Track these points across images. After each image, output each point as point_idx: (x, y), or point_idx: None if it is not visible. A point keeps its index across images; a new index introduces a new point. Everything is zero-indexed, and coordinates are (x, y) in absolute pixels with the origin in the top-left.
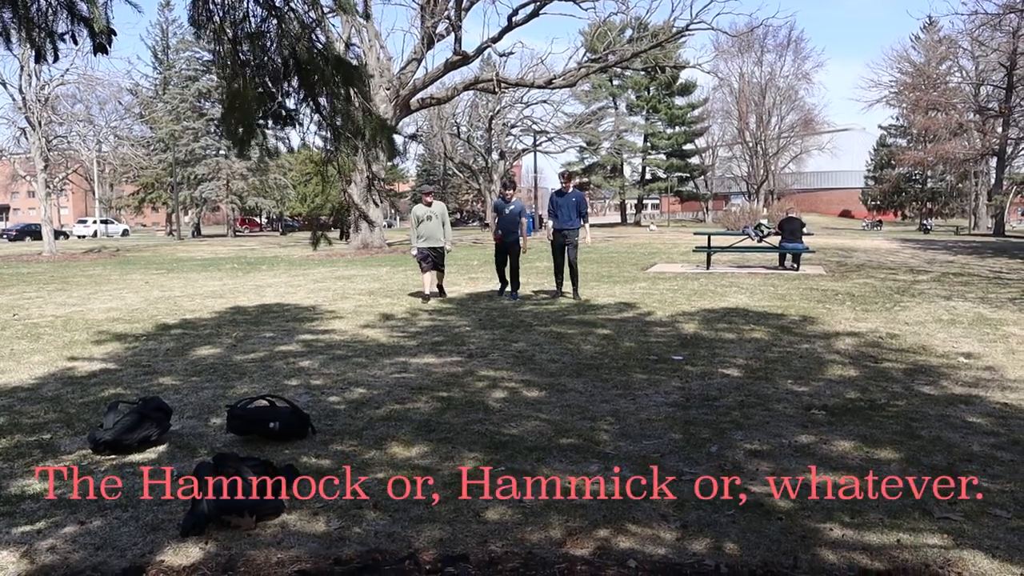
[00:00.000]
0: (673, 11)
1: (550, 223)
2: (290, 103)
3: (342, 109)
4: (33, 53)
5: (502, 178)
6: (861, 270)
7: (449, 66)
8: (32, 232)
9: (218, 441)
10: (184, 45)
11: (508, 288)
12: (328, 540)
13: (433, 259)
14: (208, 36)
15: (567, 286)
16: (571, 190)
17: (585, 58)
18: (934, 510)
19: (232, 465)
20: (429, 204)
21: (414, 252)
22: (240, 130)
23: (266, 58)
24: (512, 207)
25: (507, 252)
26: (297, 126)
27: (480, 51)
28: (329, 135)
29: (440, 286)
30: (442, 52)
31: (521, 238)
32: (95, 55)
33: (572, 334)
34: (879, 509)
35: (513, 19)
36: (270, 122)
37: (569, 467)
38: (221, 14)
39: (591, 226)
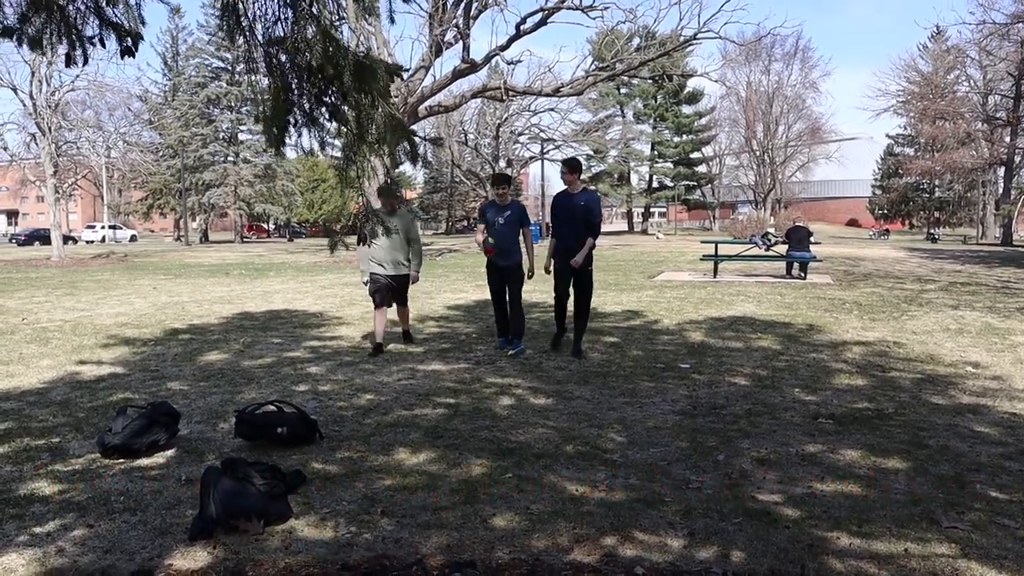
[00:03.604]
0: (681, 20)
1: (552, 242)
2: (328, 102)
3: (365, 112)
4: (64, 58)
5: (492, 176)
6: (868, 279)
7: (457, 74)
8: (41, 237)
9: (226, 446)
10: (193, 52)
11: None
12: (336, 545)
13: (390, 290)
14: (239, 40)
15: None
16: (579, 188)
17: (593, 66)
18: (942, 519)
19: (240, 470)
20: (390, 212)
21: (364, 279)
22: (279, 133)
23: (300, 59)
24: (508, 212)
25: (503, 279)
26: (340, 122)
27: (488, 59)
28: (351, 138)
29: (406, 330)
30: (450, 60)
31: (525, 255)
32: (122, 58)
33: None
34: (886, 518)
35: (521, 27)
36: (305, 121)
37: (576, 474)
38: (250, 18)
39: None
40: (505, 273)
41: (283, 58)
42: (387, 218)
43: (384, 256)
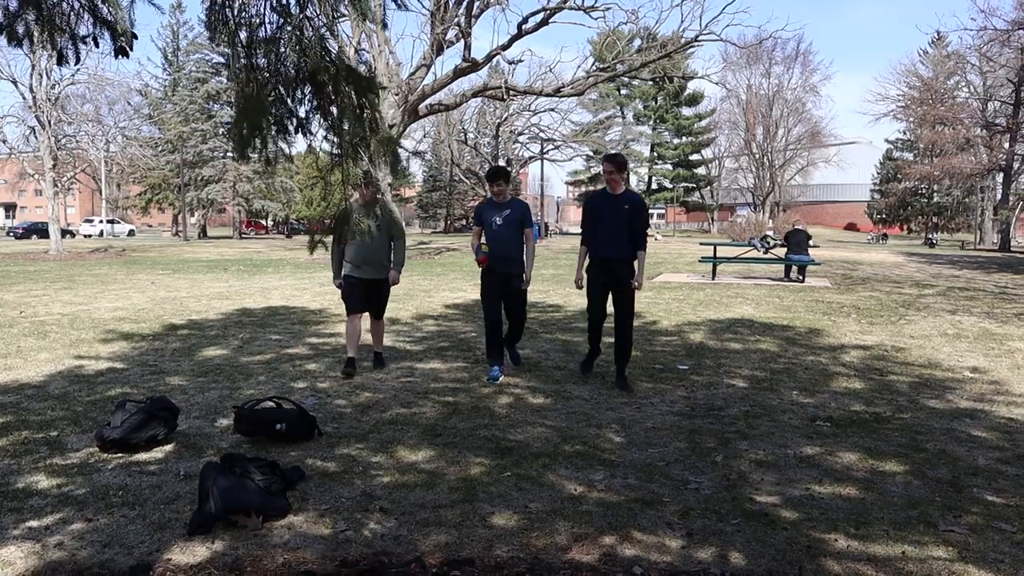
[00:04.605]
0: (683, 22)
1: (584, 252)
2: (301, 111)
3: (350, 120)
4: (55, 55)
5: (489, 171)
6: (866, 283)
7: (458, 73)
8: (39, 230)
9: (224, 442)
10: (194, 47)
11: (507, 347)
12: (334, 542)
13: (365, 297)
14: (222, 40)
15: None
16: (622, 189)
17: (594, 67)
18: (939, 523)
19: (239, 465)
20: (368, 204)
21: (336, 281)
22: (246, 135)
23: (279, 65)
24: (507, 212)
25: (502, 289)
26: (307, 135)
27: (489, 58)
28: (335, 144)
29: (378, 352)
30: (451, 58)
31: (526, 267)
32: (116, 58)
33: (578, 342)
34: (884, 521)
35: (523, 27)
36: (275, 129)
37: (575, 473)
38: (236, 19)
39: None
40: (505, 282)
41: (269, 61)
42: (366, 213)
43: (360, 256)
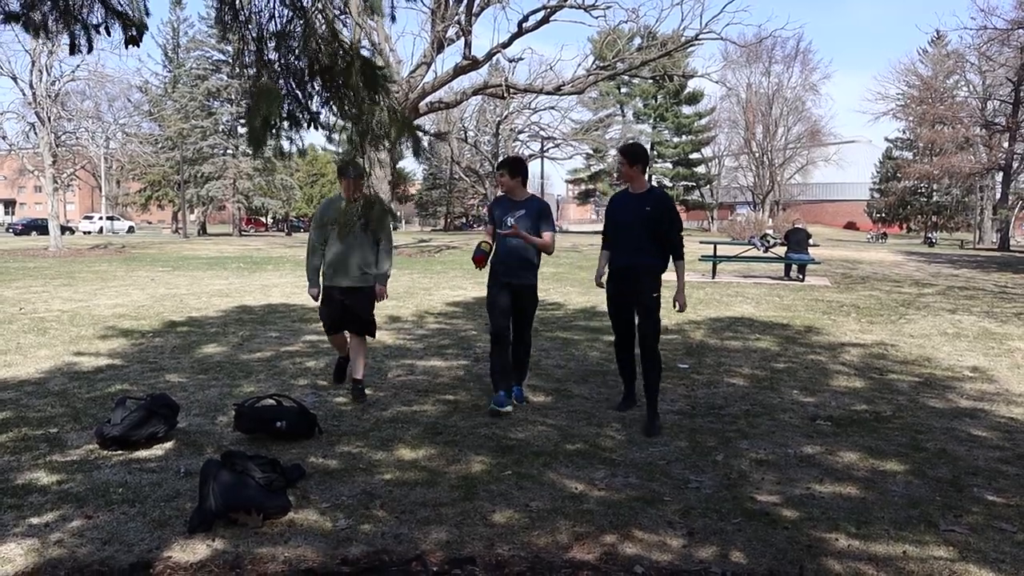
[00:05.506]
0: (683, 21)
1: (605, 255)
2: (313, 105)
3: (368, 109)
4: (68, 45)
5: (500, 162)
6: (866, 282)
7: (458, 71)
8: (38, 227)
9: (225, 439)
10: (194, 44)
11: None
12: (335, 540)
13: (344, 312)
14: (234, 35)
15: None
16: (647, 187)
17: (594, 65)
18: (940, 522)
19: (240, 463)
20: (354, 201)
21: (311, 290)
22: (260, 131)
23: (291, 58)
24: (522, 211)
25: (512, 301)
26: (320, 129)
27: (490, 56)
28: (354, 135)
29: (356, 380)
30: (452, 56)
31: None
32: (126, 47)
33: (578, 340)
34: (885, 520)
35: (523, 25)
36: (287, 124)
37: (575, 472)
38: (247, 13)
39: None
40: (515, 292)
41: (281, 54)
42: (350, 208)
43: (339, 260)
